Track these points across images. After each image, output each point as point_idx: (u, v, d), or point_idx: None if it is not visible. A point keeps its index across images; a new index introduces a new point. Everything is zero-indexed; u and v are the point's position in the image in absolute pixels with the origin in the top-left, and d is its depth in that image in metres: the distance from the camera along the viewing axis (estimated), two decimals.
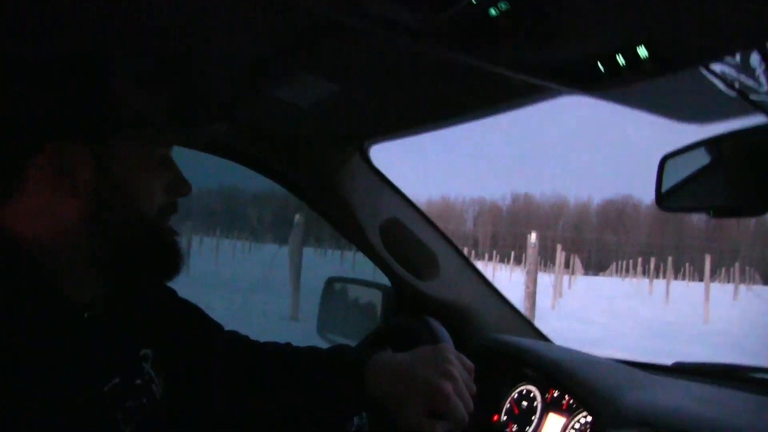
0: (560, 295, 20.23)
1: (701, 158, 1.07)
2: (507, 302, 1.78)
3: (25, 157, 0.85)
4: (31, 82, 0.87)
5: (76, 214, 0.87)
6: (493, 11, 0.80)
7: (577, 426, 1.41)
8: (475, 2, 0.79)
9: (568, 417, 1.44)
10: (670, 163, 1.12)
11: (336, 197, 1.60)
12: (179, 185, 0.98)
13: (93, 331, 0.90)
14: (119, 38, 0.96)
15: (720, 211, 1.09)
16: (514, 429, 1.56)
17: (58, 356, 0.81)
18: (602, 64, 0.90)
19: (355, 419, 1.24)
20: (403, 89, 1.17)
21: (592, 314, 16.20)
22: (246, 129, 1.50)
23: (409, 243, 1.69)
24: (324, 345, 1.80)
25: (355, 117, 1.39)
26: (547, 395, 1.52)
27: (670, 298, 23.37)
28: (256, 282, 13.10)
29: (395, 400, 1.00)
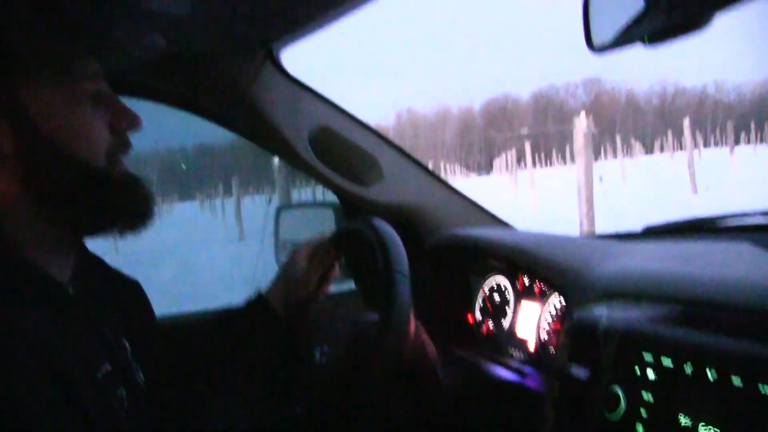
0: None
1: None
2: (460, 194, 1.64)
3: None
4: None
5: (11, 179, 0.77)
6: None
7: (551, 310, 1.30)
8: None
9: (541, 302, 1.32)
10: None
11: (253, 114, 1.45)
12: (124, 118, 0.86)
13: (80, 311, 0.83)
14: None
15: (656, 36, 0.93)
16: (490, 326, 1.45)
17: (50, 337, 0.74)
18: None
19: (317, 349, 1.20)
20: None
21: None
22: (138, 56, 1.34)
23: (345, 150, 1.55)
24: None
25: (249, 16, 1.23)
26: (517, 284, 1.40)
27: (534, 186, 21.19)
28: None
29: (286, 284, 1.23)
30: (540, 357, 1.30)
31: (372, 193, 1.56)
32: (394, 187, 1.57)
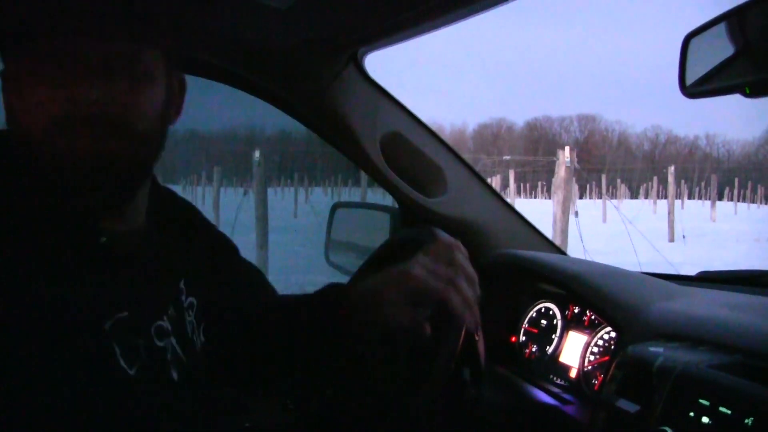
0: None
1: (727, 32, 0.94)
2: (520, 216, 1.68)
3: None
4: None
5: None
6: None
7: (600, 343, 1.33)
8: None
9: (590, 334, 1.36)
10: (694, 42, 0.99)
11: (330, 113, 1.48)
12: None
13: (104, 259, 0.83)
14: None
15: (757, 87, 0.94)
16: (533, 350, 1.48)
17: (63, 276, 0.77)
18: None
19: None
20: None
21: None
22: (224, 41, 1.37)
23: (413, 157, 1.58)
24: (330, 271, 1.75)
25: (343, 19, 1.26)
26: (567, 312, 1.44)
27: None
28: None
29: (376, 304, 0.95)
30: (581, 386, 1.33)
31: (434, 204, 1.58)
32: (456, 200, 1.60)
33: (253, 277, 1.16)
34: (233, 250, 1.14)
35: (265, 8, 1.16)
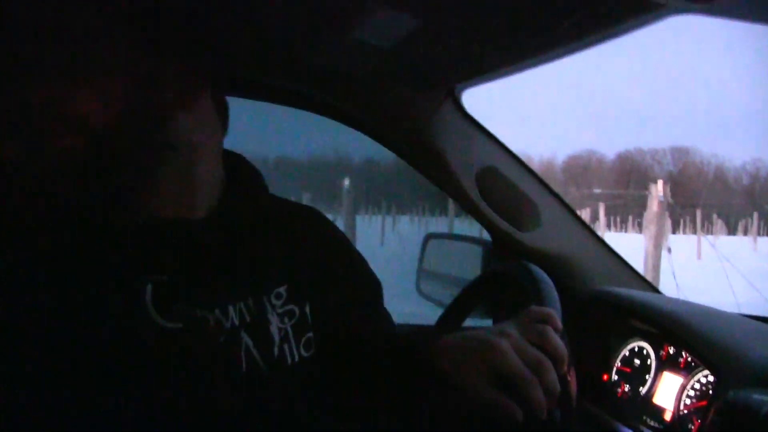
0: None
1: None
2: (613, 252, 1.66)
3: None
4: None
5: None
6: None
7: (696, 386, 1.29)
8: None
9: (686, 376, 1.32)
10: None
11: (427, 147, 1.52)
12: None
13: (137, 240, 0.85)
14: None
15: None
16: (626, 389, 1.45)
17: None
18: None
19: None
20: (495, 21, 1.05)
21: None
22: (326, 76, 1.43)
23: (508, 192, 1.60)
24: (419, 301, 1.78)
25: (442, 58, 1.29)
26: (661, 352, 1.40)
27: None
28: None
29: (457, 369, 0.89)
30: (677, 430, 1.29)
31: (527, 238, 1.60)
32: (550, 235, 1.60)
33: (382, 318, 1.16)
34: (375, 285, 1.15)
35: (368, 46, 1.21)
